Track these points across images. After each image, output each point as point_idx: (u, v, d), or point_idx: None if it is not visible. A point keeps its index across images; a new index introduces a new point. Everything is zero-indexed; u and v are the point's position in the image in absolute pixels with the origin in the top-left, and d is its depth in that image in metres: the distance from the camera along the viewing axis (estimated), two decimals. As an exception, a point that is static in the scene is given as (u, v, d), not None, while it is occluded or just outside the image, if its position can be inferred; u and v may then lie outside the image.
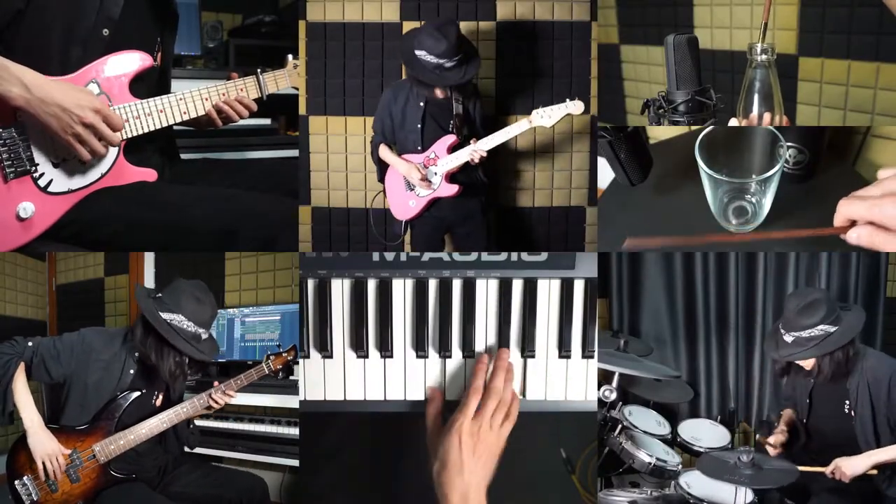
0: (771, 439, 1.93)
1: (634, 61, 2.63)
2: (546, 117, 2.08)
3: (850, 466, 1.68)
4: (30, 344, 1.78)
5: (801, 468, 1.74)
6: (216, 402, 1.85)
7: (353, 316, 1.30)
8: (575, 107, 2.07)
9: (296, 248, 1.61)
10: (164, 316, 1.76)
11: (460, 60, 2.04)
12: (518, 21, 2.42)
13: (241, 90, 1.76)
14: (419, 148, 2.19)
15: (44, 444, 1.69)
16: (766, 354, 1.97)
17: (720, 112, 1.53)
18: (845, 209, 0.86)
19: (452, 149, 2.16)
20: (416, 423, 1.32)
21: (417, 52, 2.04)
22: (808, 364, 1.81)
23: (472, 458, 1.10)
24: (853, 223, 0.86)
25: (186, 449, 2.03)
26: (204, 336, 1.83)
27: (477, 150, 2.11)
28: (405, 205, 2.25)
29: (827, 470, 1.71)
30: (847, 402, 1.78)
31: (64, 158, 1.55)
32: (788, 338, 1.77)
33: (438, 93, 2.14)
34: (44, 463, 1.67)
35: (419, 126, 2.16)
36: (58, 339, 1.83)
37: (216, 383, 1.87)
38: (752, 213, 1.47)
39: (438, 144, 2.16)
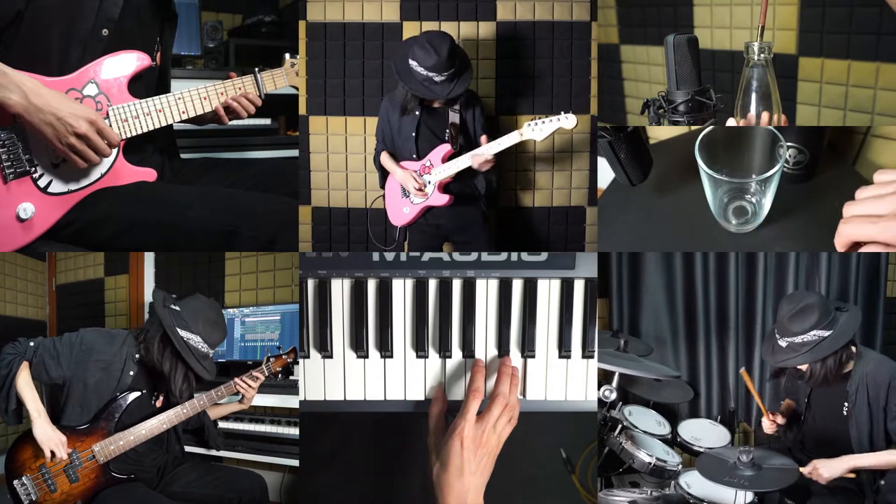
0: (765, 422, 1.94)
1: (634, 61, 2.63)
2: (538, 130, 2.06)
3: (828, 468, 1.67)
4: (31, 344, 1.80)
5: None
6: (244, 388, 1.92)
7: (353, 316, 1.30)
8: (567, 121, 2.03)
9: (296, 248, 1.61)
10: (182, 333, 1.78)
11: (451, 75, 2.03)
12: (518, 21, 2.42)
13: (240, 89, 1.76)
14: (414, 156, 2.19)
15: (48, 433, 1.70)
16: (763, 358, 1.97)
17: (720, 112, 1.53)
18: (852, 231, 0.76)
19: (447, 158, 2.16)
20: (416, 424, 1.32)
21: (410, 62, 2.04)
22: (804, 367, 1.80)
23: (472, 461, 1.10)
24: (857, 245, 0.76)
25: (213, 451, 2.10)
26: (211, 355, 1.86)
27: (484, 154, 2.08)
28: (400, 211, 2.25)
29: (805, 470, 1.70)
30: (846, 404, 1.78)
31: (63, 159, 1.55)
32: (783, 342, 1.75)
33: (434, 102, 2.14)
34: (52, 451, 1.68)
35: (413, 135, 2.17)
36: (58, 339, 1.83)
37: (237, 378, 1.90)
38: (752, 212, 1.47)
39: (434, 153, 2.17)
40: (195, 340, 1.79)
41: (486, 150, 2.10)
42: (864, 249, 0.75)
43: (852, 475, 1.69)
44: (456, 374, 1.30)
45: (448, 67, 2.01)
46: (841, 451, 1.76)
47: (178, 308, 1.82)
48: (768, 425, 1.96)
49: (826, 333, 1.70)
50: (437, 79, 2.02)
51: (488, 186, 2.27)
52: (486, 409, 1.17)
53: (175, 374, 1.80)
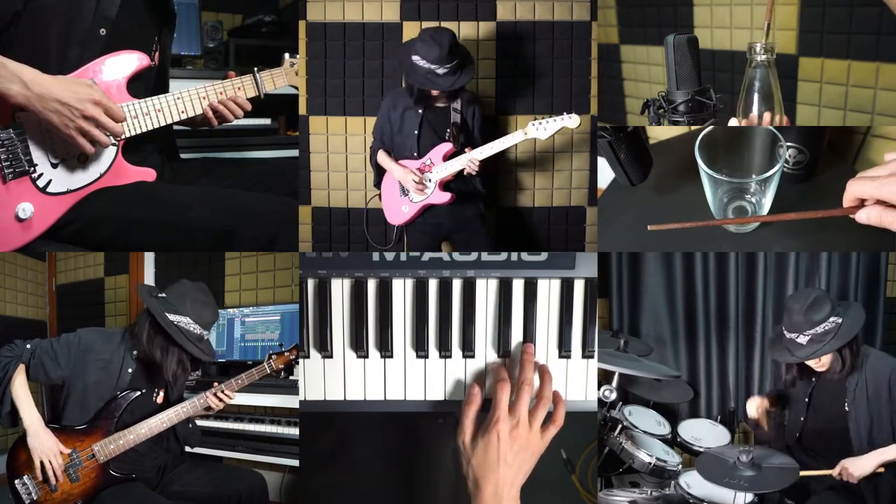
0: (750, 405, 1.94)
1: (634, 61, 2.63)
2: (542, 129, 2.09)
3: (858, 467, 1.67)
4: (28, 346, 1.79)
5: (805, 472, 1.73)
6: (215, 403, 1.85)
7: (353, 316, 1.29)
8: (571, 121, 2.06)
9: (296, 248, 1.61)
10: (171, 317, 1.78)
11: (453, 68, 2.06)
12: (518, 21, 2.42)
13: (239, 89, 1.76)
14: (415, 154, 2.20)
15: (42, 444, 1.69)
16: (779, 362, 1.94)
17: (720, 112, 1.53)
18: (854, 188, 0.85)
19: (448, 157, 2.17)
20: (416, 423, 1.32)
21: (413, 57, 2.06)
22: (820, 364, 1.80)
23: (509, 453, 1.09)
24: (862, 203, 0.86)
25: (187, 448, 2.03)
26: (206, 337, 1.85)
27: (472, 159, 2.11)
28: (398, 210, 2.26)
29: (834, 472, 1.70)
30: (846, 400, 1.78)
31: (63, 158, 1.55)
32: (802, 339, 1.76)
33: (435, 100, 2.15)
34: (42, 462, 1.67)
35: (415, 132, 2.17)
36: (55, 340, 1.83)
37: (216, 384, 1.87)
38: (752, 213, 1.47)
39: (434, 152, 2.18)
40: (185, 322, 1.79)
41: (488, 150, 2.11)
42: (864, 208, 0.85)
43: (882, 469, 1.68)
44: (456, 374, 1.30)
45: (450, 60, 2.04)
46: (842, 447, 1.76)
47: (164, 295, 1.82)
48: (755, 408, 1.95)
49: (841, 320, 1.74)
50: (440, 71, 2.04)
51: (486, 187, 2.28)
52: (515, 399, 1.15)
53: (168, 359, 1.80)
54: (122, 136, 1.59)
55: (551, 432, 1.15)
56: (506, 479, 1.07)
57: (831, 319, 1.73)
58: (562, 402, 1.20)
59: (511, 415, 1.12)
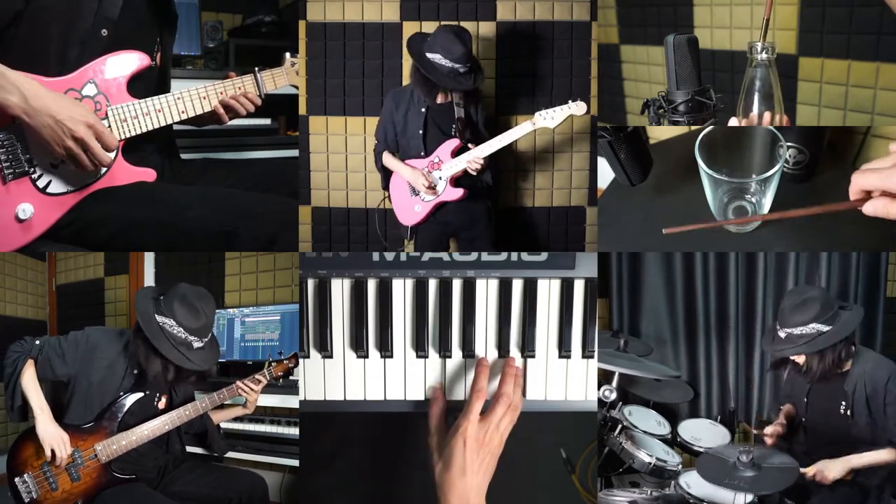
0: (768, 430, 1.94)
1: (634, 61, 2.63)
2: (549, 119, 2.09)
3: (833, 470, 1.69)
4: (37, 342, 1.81)
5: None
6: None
7: (353, 316, 1.30)
8: (578, 108, 2.08)
9: (296, 248, 1.61)
10: (158, 319, 1.74)
11: (471, 67, 2.06)
12: (518, 21, 2.42)
13: (240, 89, 1.76)
14: (422, 153, 2.20)
15: (50, 431, 1.70)
16: (763, 348, 1.98)
17: (720, 112, 1.53)
18: (860, 180, 0.87)
19: (456, 152, 2.17)
20: (416, 423, 1.32)
21: (430, 56, 2.06)
22: (801, 360, 1.81)
23: (475, 460, 1.10)
24: (868, 195, 0.87)
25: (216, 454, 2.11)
26: (197, 345, 1.77)
27: (474, 158, 2.12)
28: (410, 210, 2.25)
29: (809, 472, 1.71)
30: (843, 403, 1.78)
31: (62, 160, 1.55)
32: (782, 333, 1.77)
33: (439, 98, 2.15)
34: (53, 450, 1.68)
35: (421, 132, 2.17)
36: (63, 338, 1.84)
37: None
38: (752, 212, 1.47)
39: (442, 149, 2.17)
40: (170, 324, 1.73)
41: (495, 144, 2.12)
42: (871, 200, 0.86)
43: (848, 476, 1.70)
44: (456, 374, 1.30)
45: (470, 58, 2.06)
46: (840, 449, 1.76)
47: (162, 297, 1.80)
48: (768, 440, 1.95)
49: (825, 328, 1.71)
50: (462, 69, 2.05)
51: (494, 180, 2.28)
52: (489, 409, 1.17)
53: (150, 363, 1.75)
54: (123, 138, 1.59)
55: (509, 429, 1.17)
56: (472, 488, 1.09)
57: (812, 326, 1.71)
58: (521, 401, 1.23)
59: (481, 423, 1.14)
